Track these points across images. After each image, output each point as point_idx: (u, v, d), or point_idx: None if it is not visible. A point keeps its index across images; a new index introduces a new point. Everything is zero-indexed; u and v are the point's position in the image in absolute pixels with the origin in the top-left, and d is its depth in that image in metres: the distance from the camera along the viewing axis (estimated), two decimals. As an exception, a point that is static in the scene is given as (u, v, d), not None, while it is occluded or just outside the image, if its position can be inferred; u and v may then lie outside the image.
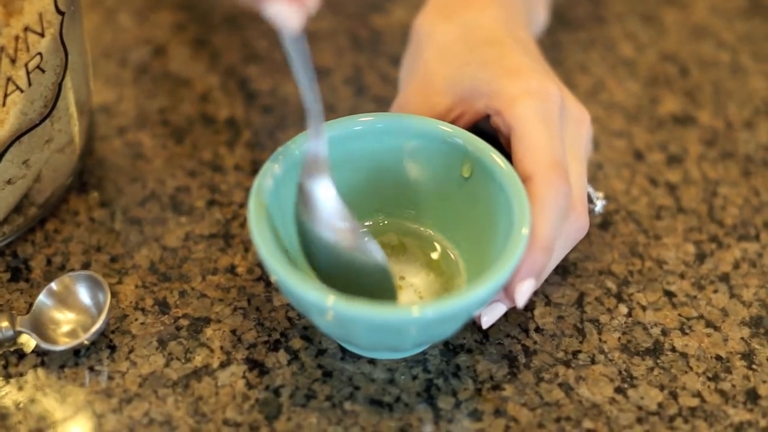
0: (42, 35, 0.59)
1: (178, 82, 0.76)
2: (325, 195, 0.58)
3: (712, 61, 0.79)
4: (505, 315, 0.63)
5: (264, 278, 0.64)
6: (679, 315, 0.64)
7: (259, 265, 0.65)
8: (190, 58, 0.78)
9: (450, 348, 0.61)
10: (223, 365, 0.60)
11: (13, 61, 0.58)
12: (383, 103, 0.74)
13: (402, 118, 0.62)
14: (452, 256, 0.62)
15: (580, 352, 0.62)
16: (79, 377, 0.60)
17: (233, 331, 0.62)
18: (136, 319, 0.62)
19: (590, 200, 0.66)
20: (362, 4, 0.82)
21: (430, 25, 0.66)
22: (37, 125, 0.62)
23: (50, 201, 0.66)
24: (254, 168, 0.70)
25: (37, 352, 0.61)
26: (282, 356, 0.61)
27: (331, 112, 0.74)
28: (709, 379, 0.61)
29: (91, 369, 0.60)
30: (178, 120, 0.73)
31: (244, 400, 0.59)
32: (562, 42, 0.80)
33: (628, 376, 0.61)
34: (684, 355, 0.62)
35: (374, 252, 0.58)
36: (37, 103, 0.61)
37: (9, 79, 0.58)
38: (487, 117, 0.63)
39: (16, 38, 0.57)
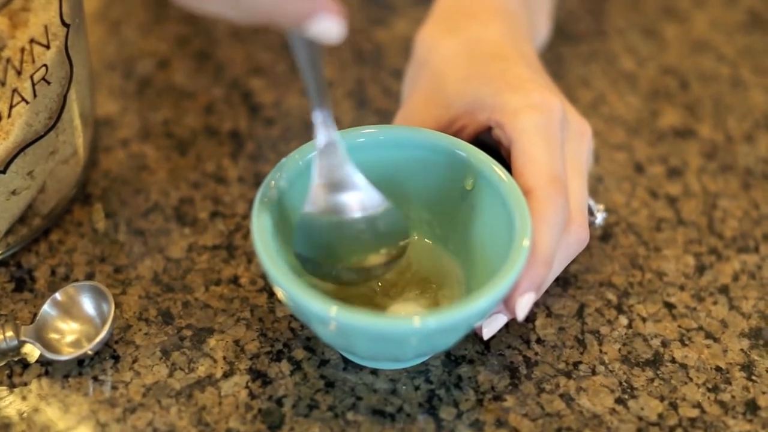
0: (47, 47, 0.59)
1: (182, 94, 0.76)
2: (360, 181, 0.58)
3: (713, 74, 0.80)
4: (506, 326, 0.63)
5: (267, 289, 0.65)
6: (679, 326, 0.64)
7: (262, 276, 0.65)
8: (194, 71, 0.78)
9: (452, 359, 0.62)
10: (226, 375, 0.61)
11: (18, 72, 0.58)
12: (385, 116, 0.75)
13: (405, 130, 0.62)
14: (453, 267, 0.63)
15: (580, 363, 0.62)
16: (82, 387, 0.60)
17: (236, 342, 0.62)
18: (140, 330, 0.63)
19: (591, 213, 0.66)
20: (365, 18, 0.82)
21: (433, 39, 0.67)
22: (41, 137, 0.62)
23: (54, 212, 0.67)
24: (257, 180, 0.71)
25: (41, 361, 0.61)
26: (285, 366, 0.61)
27: (334, 124, 0.74)
28: (708, 390, 0.61)
29: (95, 379, 0.60)
30: (182, 132, 0.74)
31: (247, 410, 0.59)
32: (564, 56, 0.80)
33: (628, 387, 0.61)
34: (684, 367, 0.62)
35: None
36: (42, 114, 0.61)
37: (14, 91, 0.58)
38: (489, 130, 0.63)
39: (22, 50, 0.58)
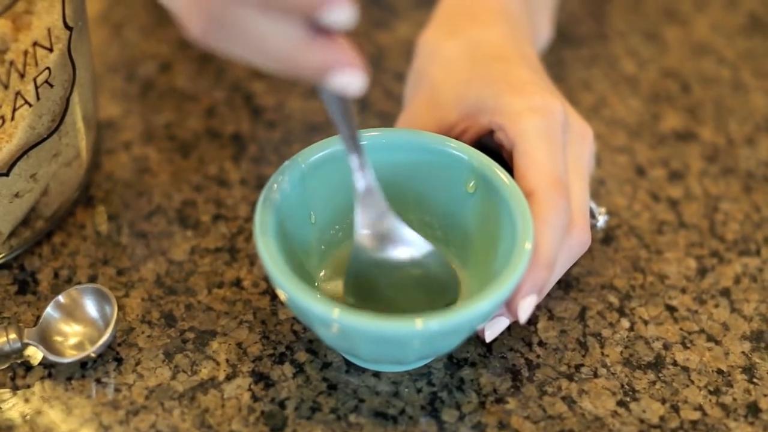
0: (50, 50, 0.60)
1: (184, 97, 0.76)
2: (407, 232, 0.59)
3: (714, 77, 0.80)
4: (508, 329, 0.63)
5: (269, 292, 0.65)
6: (681, 329, 0.64)
7: (265, 278, 0.65)
8: (196, 74, 0.78)
9: (454, 361, 0.62)
10: (228, 378, 0.61)
11: (21, 75, 0.58)
12: (387, 119, 0.75)
13: (407, 133, 0.62)
14: (455, 270, 0.63)
15: (582, 365, 0.62)
16: (86, 389, 0.60)
17: (239, 344, 0.62)
18: (143, 332, 0.63)
19: (592, 215, 0.66)
20: (366, 21, 0.83)
21: (435, 42, 0.67)
22: (44, 139, 0.62)
23: (57, 214, 0.67)
24: (259, 182, 0.71)
25: (44, 364, 0.61)
26: (287, 369, 0.61)
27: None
28: (710, 392, 0.61)
29: (98, 381, 0.61)
30: (184, 135, 0.74)
31: (250, 413, 0.59)
32: (565, 59, 0.80)
33: (630, 390, 0.61)
34: (685, 369, 0.62)
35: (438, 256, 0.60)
36: (45, 117, 0.61)
37: (18, 94, 0.59)
38: (491, 132, 0.63)
39: (25, 53, 0.58)
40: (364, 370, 0.61)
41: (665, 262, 0.68)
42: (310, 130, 0.74)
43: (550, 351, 0.63)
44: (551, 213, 0.58)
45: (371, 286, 0.60)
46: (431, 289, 0.60)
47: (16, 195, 0.63)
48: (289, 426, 0.59)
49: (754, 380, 0.62)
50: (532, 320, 0.64)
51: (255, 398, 0.60)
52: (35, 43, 0.58)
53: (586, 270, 0.67)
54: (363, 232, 0.59)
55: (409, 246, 0.59)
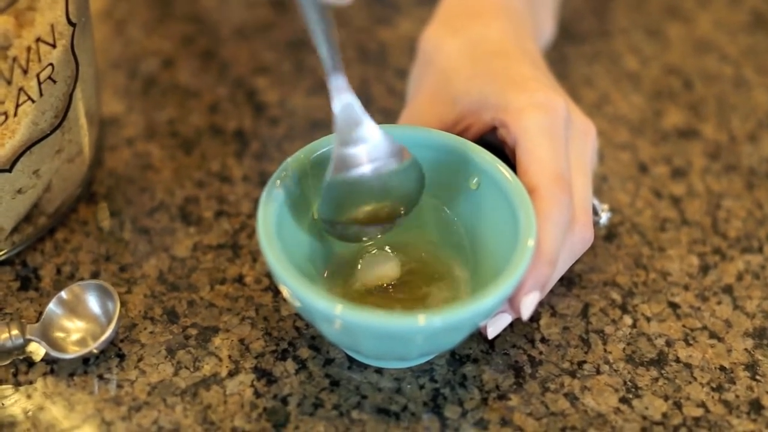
0: (54, 46, 0.59)
1: (187, 93, 0.76)
2: (371, 134, 0.59)
3: (716, 74, 0.80)
4: (511, 325, 0.63)
5: (272, 288, 0.65)
6: (683, 326, 0.64)
7: (267, 275, 0.65)
8: (199, 70, 0.78)
9: (456, 358, 0.62)
10: (231, 374, 0.61)
11: (24, 71, 0.58)
12: (390, 115, 0.75)
13: (410, 129, 0.62)
14: (457, 266, 0.63)
15: (585, 362, 0.62)
16: (88, 385, 0.60)
17: (241, 341, 0.62)
18: (145, 328, 0.63)
19: (595, 212, 0.66)
20: (369, 17, 0.83)
21: (437, 39, 0.67)
22: (47, 135, 0.62)
23: (60, 210, 0.67)
24: (262, 179, 0.71)
25: (47, 360, 0.61)
26: (290, 365, 0.61)
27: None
28: (713, 389, 0.61)
29: (100, 377, 0.61)
30: (187, 131, 0.74)
31: (252, 409, 0.59)
32: (568, 55, 0.80)
33: (632, 387, 0.61)
34: (688, 366, 0.62)
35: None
36: (48, 113, 0.61)
37: (21, 90, 0.59)
38: (494, 129, 0.63)
39: (28, 49, 0.58)
40: (366, 367, 0.61)
41: (668, 259, 0.68)
42: (313, 126, 0.74)
43: (553, 348, 0.63)
44: (554, 210, 0.58)
45: (348, 201, 0.60)
46: (390, 191, 0.60)
47: (19, 191, 0.63)
48: (291, 422, 0.59)
49: (757, 377, 0.62)
50: (535, 317, 0.64)
51: (257, 394, 0.60)
52: (38, 39, 0.58)
53: (589, 267, 0.67)
54: (335, 147, 0.58)
55: (366, 143, 0.59)
